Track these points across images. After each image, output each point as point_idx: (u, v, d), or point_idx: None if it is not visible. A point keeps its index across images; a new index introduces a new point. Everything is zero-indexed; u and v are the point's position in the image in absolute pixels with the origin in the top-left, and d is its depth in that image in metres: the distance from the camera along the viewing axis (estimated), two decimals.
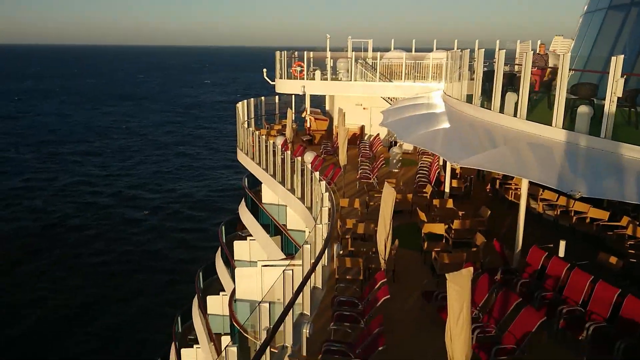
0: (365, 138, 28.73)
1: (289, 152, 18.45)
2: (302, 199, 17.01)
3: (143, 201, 60.74)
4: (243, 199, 23.48)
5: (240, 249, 20.33)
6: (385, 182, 12.66)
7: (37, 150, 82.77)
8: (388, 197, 11.68)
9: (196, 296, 22.21)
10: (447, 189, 18.31)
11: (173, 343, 21.46)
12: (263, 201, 20.54)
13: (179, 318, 23.27)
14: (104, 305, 38.35)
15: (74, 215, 55.62)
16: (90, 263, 44.73)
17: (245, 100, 27.26)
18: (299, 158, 17.63)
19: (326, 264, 12.99)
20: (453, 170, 19.05)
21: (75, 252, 46.84)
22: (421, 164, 21.70)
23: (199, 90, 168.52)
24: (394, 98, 27.87)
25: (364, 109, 29.33)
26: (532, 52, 14.51)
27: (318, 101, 32.98)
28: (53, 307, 37.86)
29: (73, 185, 65.60)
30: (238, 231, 24.06)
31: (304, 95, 28.36)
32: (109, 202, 59.76)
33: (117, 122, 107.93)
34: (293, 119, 27.37)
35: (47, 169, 73.05)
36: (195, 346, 19.86)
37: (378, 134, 27.63)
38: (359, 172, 20.93)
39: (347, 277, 12.42)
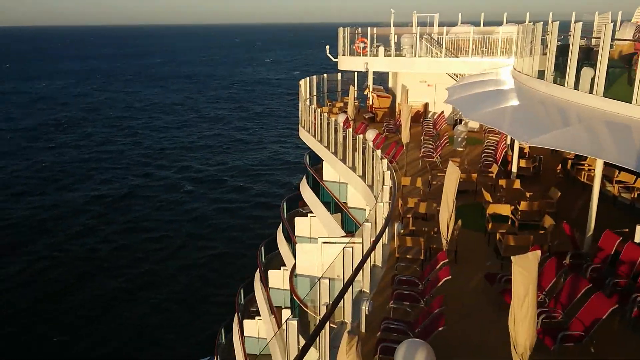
0: (429, 116, 28.11)
1: (350, 129, 18.35)
2: (363, 177, 16.94)
3: (208, 176, 62.71)
4: (304, 176, 23.69)
5: (301, 225, 20.62)
6: (450, 161, 12.33)
7: (109, 125, 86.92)
8: (452, 176, 11.41)
9: (258, 270, 22.80)
10: (514, 169, 17.67)
11: (236, 314, 22.21)
12: (324, 178, 20.64)
13: (241, 290, 24.04)
14: (170, 275, 40.25)
15: (142, 185, 58.34)
16: (156, 233, 46.91)
17: (308, 78, 27.27)
18: (361, 136, 17.52)
19: (386, 243, 12.95)
20: (521, 149, 18.32)
21: (143, 221, 49.24)
22: (487, 142, 21.01)
23: (260, 69, 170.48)
24: (459, 74, 27.01)
25: (428, 85, 28.63)
26: (613, 24, 13.54)
27: (381, 78, 32.51)
28: (124, 272, 40.15)
29: (141, 157, 68.61)
30: (299, 208, 24.38)
31: (367, 72, 28.01)
32: (175, 176, 62.16)
33: (182, 99, 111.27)
34: (355, 96, 27.16)
35: (116, 142, 76.43)
36: (257, 318, 20.47)
37: (442, 112, 26.93)
38: (422, 150, 20.54)
39: (408, 256, 12.32)
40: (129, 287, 38.66)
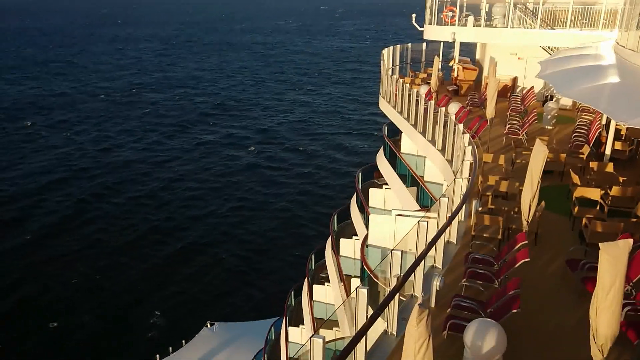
0: (517, 91, 26.71)
1: (432, 101, 17.84)
2: (442, 151, 16.51)
3: (285, 141, 63.77)
4: (382, 147, 23.46)
5: (376, 196, 20.53)
6: (537, 139, 11.68)
7: (172, 96, 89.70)
8: (539, 155, 10.83)
9: (330, 238, 23.07)
10: (607, 151, 16.49)
11: (306, 279, 22.71)
12: (402, 151, 20.34)
13: (312, 256, 24.49)
14: (243, 237, 41.77)
15: (221, 146, 60.42)
16: (232, 195, 48.63)
17: (391, 47, 26.66)
18: (443, 108, 17.01)
19: (462, 220, 12.66)
20: (617, 130, 17.04)
21: (220, 183, 51.15)
22: (580, 121, 19.70)
23: (339, 36, 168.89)
24: (554, 48, 25.32)
25: (518, 59, 27.12)
26: None
27: (468, 49, 31.21)
28: (200, 229, 42.15)
29: (228, 120, 70.85)
30: (374, 179, 24.25)
31: (454, 42, 26.94)
32: (252, 139, 63.81)
33: (260, 67, 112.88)
34: (440, 67, 26.27)
35: (178, 115, 78.78)
36: (326, 284, 20.84)
37: (532, 87, 25.49)
38: (507, 126, 19.62)
39: (484, 235, 11.95)
40: (206, 245, 40.62)
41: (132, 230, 42.32)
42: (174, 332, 30.49)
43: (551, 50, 25.65)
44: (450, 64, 28.06)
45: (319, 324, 19.71)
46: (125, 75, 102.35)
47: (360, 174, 24.37)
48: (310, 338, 6.79)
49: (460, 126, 14.98)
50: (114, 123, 71.04)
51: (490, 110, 18.25)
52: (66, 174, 53.31)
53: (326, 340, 6.84)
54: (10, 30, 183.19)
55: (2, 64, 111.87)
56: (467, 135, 14.29)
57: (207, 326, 27.56)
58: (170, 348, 26.85)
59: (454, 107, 19.67)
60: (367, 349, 7.93)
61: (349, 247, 19.49)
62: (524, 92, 25.51)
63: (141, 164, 56.36)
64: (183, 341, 27.03)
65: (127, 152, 59.68)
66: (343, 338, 13.53)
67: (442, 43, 28.54)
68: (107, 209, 46.05)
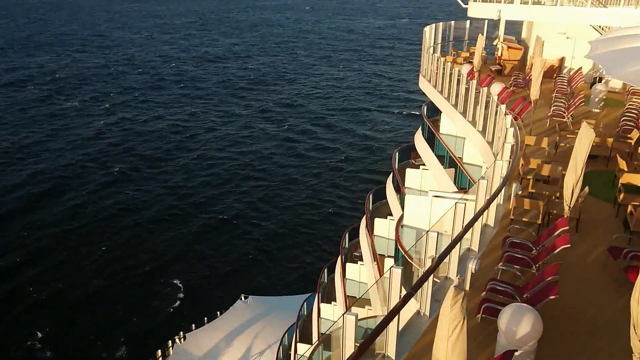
0: (564, 72, 25.75)
1: (474, 81, 17.38)
2: (483, 132, 16.12)
3: (320, 118, 63.62)
4: (420, 127, 23.11)
5: (412, 177, 20.29)
6: (583, 122, 11.26)
7: (209, 70, 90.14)
8: (584, 139, 10.45)
9: (365, 216, 23.04)
10: None
11: (340, 256, 22.81)
12: (440, 131, 19.98)
13: (346, 234, 24.54)
14: (278, 213, 42.18)
15: (258, 125, 60.79)
16: (272, 169, 49.02)
17: (434, 24, 26.01)
18: (485, 89, 16.55)
19: (501, 203, 12.40)
20: None
21: (256, 160, 51.59)
22: (629, 105, 18.88)
23: (376, 14, 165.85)
24: (606, 27, 24.20)
25: (567, 38, 26.06)
26: None
27: (513, 28, 30.21)
28: (233, 206, 42.77)
29: (259, 100, 71.14)
30: (411, 159, 23.96)
31: (499, 20, 26.06)
32: (296, 115, 63.89)
33: (297, 45, 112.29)
34: (483, 46, 25.51)
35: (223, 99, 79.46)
36: (359, 262, 20.89)
37: (580, 68, 24.52)
38: (552, 108, 18.99)
39: (523, 219, 11.69)
40: (240, 221, 41.24)
41: (167, 203, 43.37)
42: (209, 303, 31.35)
43: (602, 29, 24.54)
44: (494, 43, 27.21)
45: (351, 301, 19.83)
46: (164, 50, 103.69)
47: (397, 153, 24.11)
48: (342, 315, 6.83)
49: (503, 107, 14.57)
50: (151, 96, 72.40)
51: (534, 92, 17.67)
52: (104, 146, 54.84)
53: (358, 318, 6.86)
54: (51, 4, 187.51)
55: (43, 39, 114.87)
56: (509, 117, 13.90)
57: (241, 299, 28.17)
58: (206, 318, 27.61)
59: (496, 88, 19.11)
60: (399, 329, 7.93)
61: (384, 227, 19.41)
62: (571, 73, 24.57)
63: (176, 135, 57.49)
64: (218, 312, 27.73)
65: (162, 125, 60.84)
66: (375, 317, 13.58)
67: (486, 21, 27.66)
68: (142, 181, 47.26)
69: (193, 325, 27.06)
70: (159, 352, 26.46)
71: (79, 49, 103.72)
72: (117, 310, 31.79)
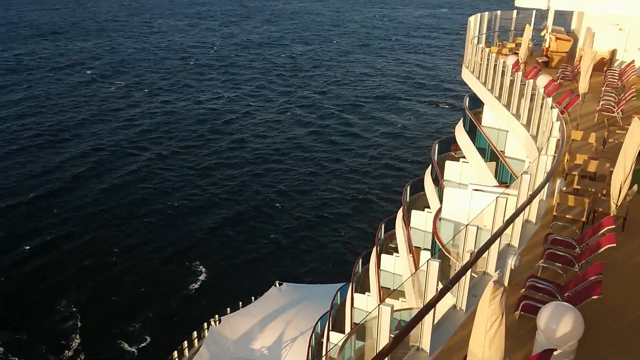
0: (615, 65, 24.72)
1: (519, 73, 16.91)
2: (527, 126, 15.70)
3: (362, 108, 63.33)
4: (461, 119, 22.70)
5: (451, 169, 20.00)
6: (634, 118, 10.79)
7: (248, 56, 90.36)
8: (635, 135, 10.04)
9: (401, 208, 22.86)
10: None
11: (375, 247, 22.75)
12: (482, 124, 19.57)
13: (382, 226, 24.44)
14: (320, 200, 42.31)
15: (302, 111, 60.94)
16: (309, 156, 49.16)
17: (479, 14, 25.39)
18: (531, 81, 16.07)
19: (544, 199, 12.08)
20: None
21: (298, 146, 51.80)
22: None
23: (416, 4, 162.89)
24: None
25: (620, 29, 24.99)
26: None
27: (563, 18, 29.20)
28: (274, 194, 43.14)
29: (306, 84, 71.26)
30: (451, 151, 23.59)
31: (547, 10, 25.21)
32: (336, 102, 63.84)
33: (335, 34, 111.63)
34: (530, 37, 24.75)
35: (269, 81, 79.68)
36: (394, 254, 20.78)
37: (633, 61, 23.49)
38: (601, 103, 18.29)
39: (567, 216, 11.34)
40: (278, 209, 41.59)
41: (201, 187, 44.14)
42: (243, 288, 31.86)
43: None
44: (542, 34, 26.36)
45: (385, 292, 19.78)
46: (206, 37, 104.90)
47: (437, 145, 23.79)
48: (378, 305, 6.82)
49: (549, 100, 14.14)
50: (190, 81, 73.56)
51: (583, 85, 17.07)
52: (144, 128, 56.14)
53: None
54: None
55: (92, 25, 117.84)
56: (555, 110, 13.48)
57: (275, 285, 28.51)
58: (240, 303, 28.08)
59: (543, 80, 18.56)
60: (435, 322, 7.86)
61: (421, 219, 19.24)
62: (623, 66, 23.58)
63: (213, 120, 58.44)
64: (252, 297, 28.16)
65: (200, 109, 61.82)
66: (410, 309, 13.50)
67: (534, 11, 26.81)
68: (178, 163, 48.21)
69: (228, 309, 27.57)
70: (195, 334, 27.10)
71: (125, 35, 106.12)
72: (154, 291, 32.71)
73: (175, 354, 25.81)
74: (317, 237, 38.12)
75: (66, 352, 28.60)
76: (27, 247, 35.99)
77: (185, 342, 26.44)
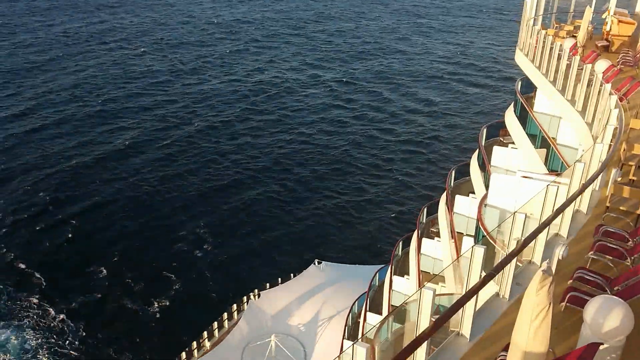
0: None
1: (577, 57, 16.21)
2: (582, 112, 15.10)
3: (407, 90, 62.31)
4: (512, 104, 22.04)
5: (499, 155, 19.52)
6: None
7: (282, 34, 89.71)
8: None
9: (445, 193, 22.54)
10: None
11: (416, 231, 22.58)
12: (534, 109, 18.93)
13: (425, 209, 24.20)
14: (364, 183, 42.19)
15: (340, 97, 60.50)
16: (355, 138, 48.97)
17: None
18: (589, 66, 15.39)
19: (597, 189, 11.65)
20: None
21: (348, 129, 51.58)
22: None
23: None
24: None
25: None
26: None
27: (627, 0, 27.69)
28: (312, 180, 43.24)
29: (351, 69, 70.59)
30: (500, 137, 23.00)
31: None
32: (380, 85, 63.06)
33: (381, 15, 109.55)
34: (590, 19, 23.62)
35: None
36: (436, 239, 20.58)
37: None
38: None
39: (621, 207, 10.90)
40: (323, 190, 41.74)
41: (243, 165, 44.62)
42: (283, 265, 32.35)
43: None
44: (603, 16, 25.08)
45: (425, 276, 19.67)
46: (253, 14, 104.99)
47: (485, 130, 23.23)
48: (419, 289, 6.77)
49: (608, 86, 13.52)
50: (235, 59, 73.45)
51: None
52: (187, 103, 56.93)
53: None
54: None
55: (142, 1, 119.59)
56: (614, 97, 12.88)
57: (314, 264, 28.80)
58: (280, 279, 28.53)
59: (602, 65, 17.72)
60: (476, 309, 7.76)
61: (464, 205, 18.93)
62: None
63: (256, 97, 58.39)
64: (291, 275, 28.56)
65: (243, 88, 61.78)
66: (451, 294, 13.39)
67: None
68: (220, 139, 48.79)
69: (267, 284, 28.06)
70: (235, 306, 27.77)
71: (169, 12, 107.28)
72: (197, 262, 33.64)
73: (215, 324, 26.56)
74: (358, 220, 38.13)
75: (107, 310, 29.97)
76: (75, 209, 37.63)
77: (225, 314, 27.14)
